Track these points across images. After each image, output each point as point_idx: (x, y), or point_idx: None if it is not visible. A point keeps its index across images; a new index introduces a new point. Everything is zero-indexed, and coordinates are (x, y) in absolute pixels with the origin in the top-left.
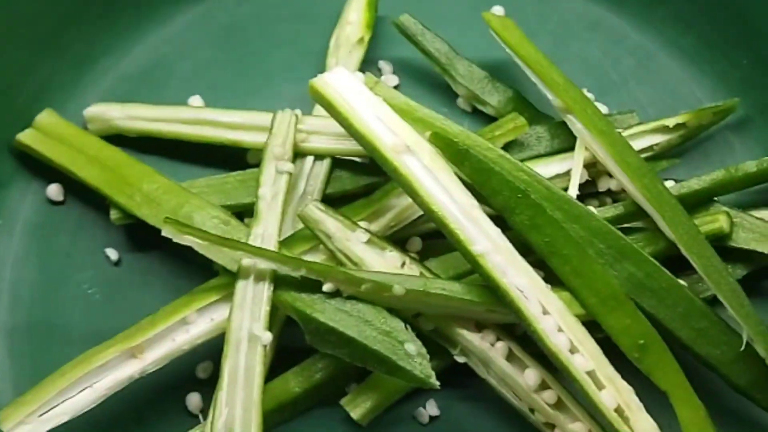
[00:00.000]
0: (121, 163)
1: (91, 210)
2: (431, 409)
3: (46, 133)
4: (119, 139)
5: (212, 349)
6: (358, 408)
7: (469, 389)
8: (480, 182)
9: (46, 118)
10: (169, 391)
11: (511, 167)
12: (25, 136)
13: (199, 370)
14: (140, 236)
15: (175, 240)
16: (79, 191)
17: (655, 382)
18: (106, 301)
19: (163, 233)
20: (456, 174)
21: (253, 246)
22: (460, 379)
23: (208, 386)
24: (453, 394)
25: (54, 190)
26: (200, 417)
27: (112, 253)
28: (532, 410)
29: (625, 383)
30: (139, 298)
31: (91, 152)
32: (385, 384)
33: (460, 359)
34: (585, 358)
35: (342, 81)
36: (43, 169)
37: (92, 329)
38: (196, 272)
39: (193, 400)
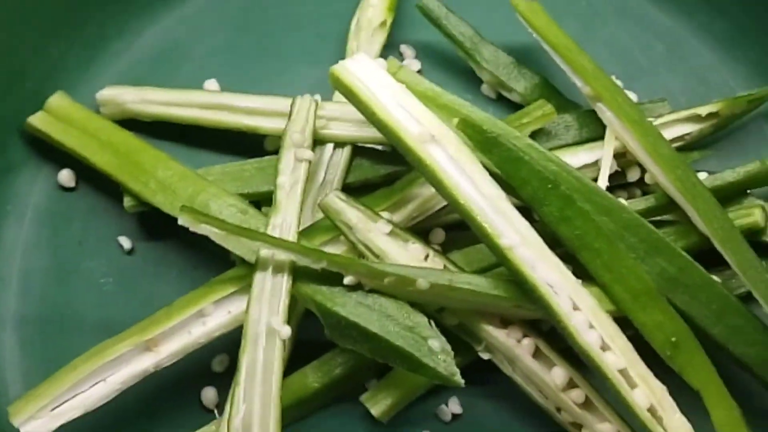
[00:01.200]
0: (135, 149)
1: (103, 197)
2: (454, 406)
3: (58, 116)
4: (132, 123)
5: (227, 342)
6: (378, 404)
7: (493, 386)
8: (508, 172)
9: (57, 100)
10: (184, 385)
11: (540, 156)
12: (36, 120)
13: (214, 363)
14: (154, 224)
15: (191, 229)
16: (92, 177)
17: (687, 380)
18: (119, 290)
19: (180, 222)
20: (482, 164)
21: (273, 236)
22: (483, 375)
23: (224, 380)
24: (476, 391)
25: (66, 176)
26: (215, 412)
27: (125, 242)
28: (558, 409)
29: (658, 382)
30: (152, 288)
31: (103, 137)
32: (407, 380)
33: (485, 356)
34: (617, 355)
35: (364, 68)
36: (54, 154)
37: (104, 319)
38: (211, 262)
39: (209, 394)
